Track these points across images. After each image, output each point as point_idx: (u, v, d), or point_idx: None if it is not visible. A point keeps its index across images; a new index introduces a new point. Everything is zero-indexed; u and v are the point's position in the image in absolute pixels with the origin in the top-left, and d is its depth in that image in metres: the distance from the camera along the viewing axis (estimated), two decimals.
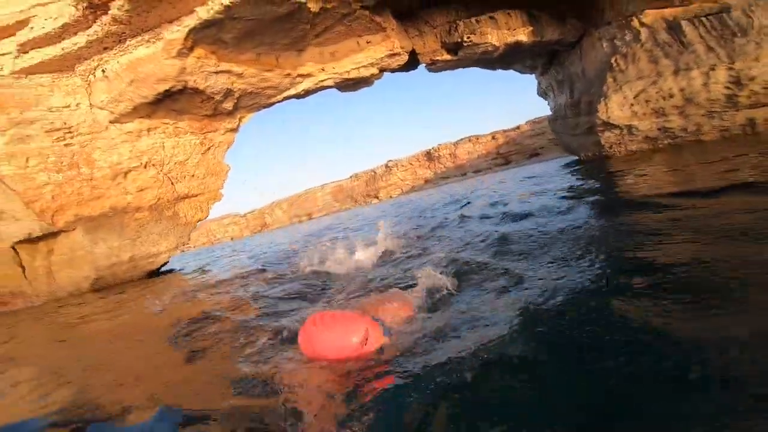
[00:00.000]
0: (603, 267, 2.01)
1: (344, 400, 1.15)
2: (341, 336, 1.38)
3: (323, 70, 11.73)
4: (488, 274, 2.41)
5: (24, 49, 8.44)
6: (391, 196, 79.67)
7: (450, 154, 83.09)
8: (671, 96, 9.29)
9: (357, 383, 1.22)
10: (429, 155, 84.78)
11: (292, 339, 1.85)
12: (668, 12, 10.19)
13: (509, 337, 1.38)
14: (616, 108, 9.83)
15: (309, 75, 11.49)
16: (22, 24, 8.44)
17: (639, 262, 1.95)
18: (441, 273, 2.51)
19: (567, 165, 13.83)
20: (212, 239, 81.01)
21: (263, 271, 5.77)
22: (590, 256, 2.19)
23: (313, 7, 9.17)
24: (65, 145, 8.44)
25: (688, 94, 9.13)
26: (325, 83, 11.92)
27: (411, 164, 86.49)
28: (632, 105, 9.65)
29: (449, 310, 1.91)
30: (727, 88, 8.87)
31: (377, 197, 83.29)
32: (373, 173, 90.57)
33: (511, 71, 18.19)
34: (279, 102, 12.10)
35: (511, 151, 75.67)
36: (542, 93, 18.87)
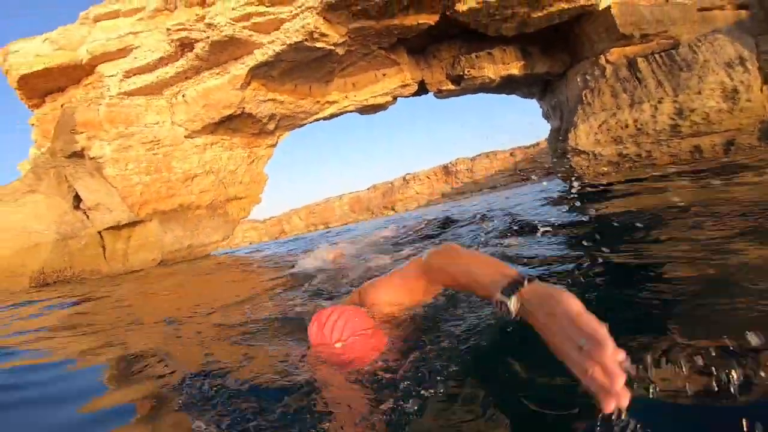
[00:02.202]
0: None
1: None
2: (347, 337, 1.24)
3: (346, 97, 14.37)
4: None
5: (128, 74, 11.42)
6: (407, 209, 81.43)
7: (467, 170, 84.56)
8: (627, 126, 11.37)
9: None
10: (446, 170, 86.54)
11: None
12: (629, 50, 12.39)
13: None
14: (583, 136, 11.96)
15: (334, 102, 14.14)
16: (123, 52, 11.42)
17: None
18: None
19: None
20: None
21: None
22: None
23: (341, 51, 11.83)
24: (153, 154, 11.28)
25: (639, 125, 11.19)
26: (348, 109, 14.54)
27: (428, 178, 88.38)
28: (596, 134, 11.76)
29: None
30: (672, 119, 10.90)
31: (394, 209, 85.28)
32: (390, 185, 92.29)
33: (514, 96, 20.50)
34: (309, 123, 14.78)
35: (529, 168, 76.10)
36: (545, 116, 21.02)
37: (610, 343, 0.60)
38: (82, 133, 10.54)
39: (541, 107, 20.62)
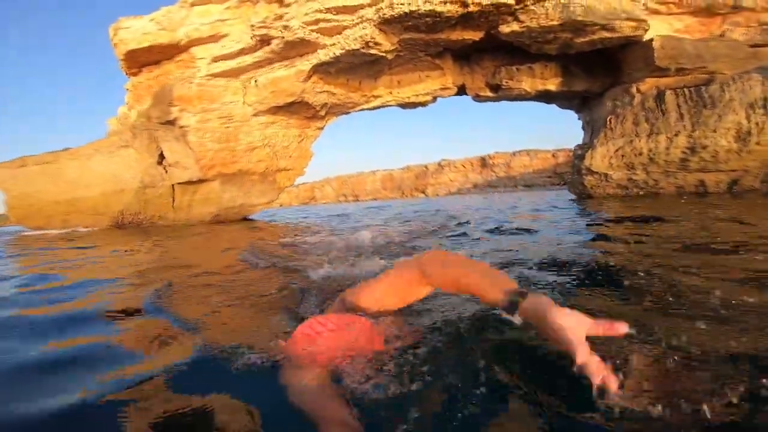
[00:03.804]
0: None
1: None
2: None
3: (390, 93, 16.03)
4: None
5: (215, 59, 13.67)
6: (437, 195, 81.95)
7: (505, 164, 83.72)
8: (640, 154, 12.39)
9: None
10: (483, 161, 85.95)
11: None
12: (663, 81, 13.02)
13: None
14: (599, 158, 13.07)
15: (379, 96, 15.86)
16: (214, 38, 13.63)
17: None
18: None
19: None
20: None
21: None
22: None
23: (390, 56, 13.44)
24: (226, 127, 13.62)
25: (652, 155, 12.21)
26: (390, 103, 16.23)
27: (464, 167, 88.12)
28: (611, 158, 12.83)
29: None
30: (683, 153, 11.85)
31: (424, 193, 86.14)
32: (425, 168, 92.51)
33: (553, 105, 21.28)
34: (355, 112, 16.63)
35: (569, 172, 73.56)
36: (583, 128, 21.66)
37: (581, 352, 0.75)
38: (176, 106, 13.01)
39: (579, 119, 21.31)
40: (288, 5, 12.48)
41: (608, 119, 13.52)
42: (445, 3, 11.56)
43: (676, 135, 12.08)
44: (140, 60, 14.81)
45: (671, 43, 12.93)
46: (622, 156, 12.78)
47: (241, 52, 13.09)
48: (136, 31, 13.93)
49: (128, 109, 16.52)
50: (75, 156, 15.38)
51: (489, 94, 17.12)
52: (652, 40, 12.96)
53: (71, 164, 15.66)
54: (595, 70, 16.19)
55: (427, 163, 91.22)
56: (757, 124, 11.38)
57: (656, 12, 13.21)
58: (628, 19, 12.07)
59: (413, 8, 11.11)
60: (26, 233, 14.70)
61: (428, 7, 11.45)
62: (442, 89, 16.24)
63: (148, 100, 14.79)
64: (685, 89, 12.50)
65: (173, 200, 16.13)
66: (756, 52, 13.20)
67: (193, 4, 13.98)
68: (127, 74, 16.05)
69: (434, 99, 17.07)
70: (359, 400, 0.97)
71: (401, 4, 11.43)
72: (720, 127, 11.62)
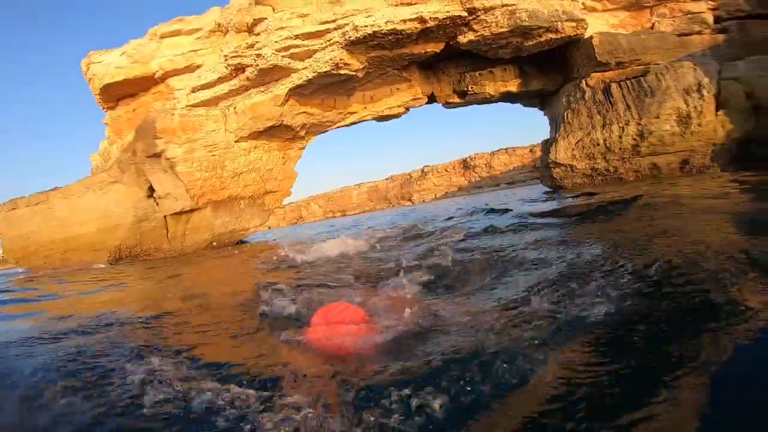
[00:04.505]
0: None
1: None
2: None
3: (365, 108, 16.95)
4: None
5: (193, 90, 14.40)
6: (423, 201, 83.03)
7: (486, 164, 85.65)
8: (598, 144, 13.49)
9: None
10: (465, 163, 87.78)
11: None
12: (608, 75, 14.19)
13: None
14: (562, 151, 14.14)
15: (355, 113, 16.76)
16: (189, 69, 14.35)
17: None
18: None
19: None
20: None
21: None
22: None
23: (360, 74, 14.39)
24: (212, 155, 14.27)
25: (608, 144, 13.30)
26: (366, 118, 17.14)
27: (447, 171, 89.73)
28: (573, 150, 13.91)
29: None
30: (634, 140, 12.97)
31: (410, 200, 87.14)
32: (408, 176, 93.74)
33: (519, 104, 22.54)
34: (333, 129, 17.49)
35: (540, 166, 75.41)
36: (550, 124, 22.93)
37: None
38: (161, 138, 13.64)
39: (545, 115, 22.61)
40: (258, 34, 13.37)
41: (565, 114, 14.65)
42: (405, 21, 12.62)
43: (626, 124, 13.21)
44: (116, 94, 15.45)
45: (608, 39, 14.08)
46: (583, 147, 13.85)
47: (218, 81, 13.89)
48: (109, 65, 14.62)
49: (109, 143, 17.05)
50: (66, 194, 15.76)
51: (457, 100, 18.20)
52: (591, 37, 14.10)
53: (63, 203, 16.03)
54: (548, 69, 17.42)
55: (411, 170, 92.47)
56: (695, 107, 12.54)
57: (593, 9, 14.50)
58: (568, 20, 13.27)
59: (376, 29, 12.10)
60: (18, 275, 14.96)
61: (390, 26, 12.48)
62: (413, 100, 17.24)
63: (128, 134, 15.39)
64: (627, 81, 13.61)
65: (167, 231, 16.55)
66: (683, 41, 14.46)
67: (162, 37, 14.77)
68: (104, 109, 16.61)
69: (407, 110, 18.04)
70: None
71: (365, 26, 12.44)
72: (662, 113, 12.79)
